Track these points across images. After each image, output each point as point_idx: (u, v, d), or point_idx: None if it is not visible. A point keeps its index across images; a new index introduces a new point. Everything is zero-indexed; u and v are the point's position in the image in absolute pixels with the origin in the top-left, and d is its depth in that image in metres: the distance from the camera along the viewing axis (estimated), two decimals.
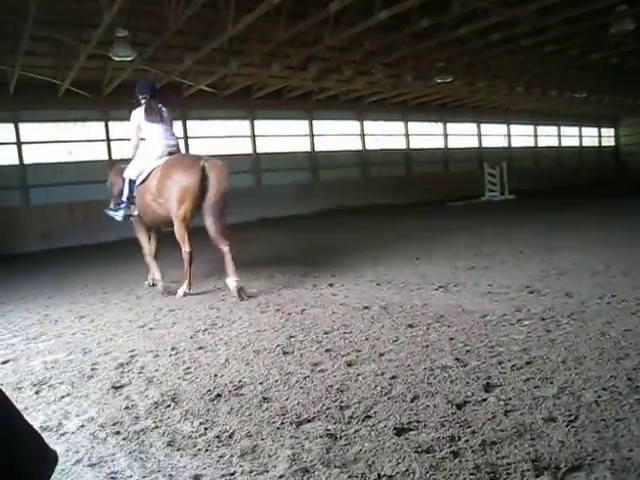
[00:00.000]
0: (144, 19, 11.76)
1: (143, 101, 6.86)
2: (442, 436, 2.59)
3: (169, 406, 3.23)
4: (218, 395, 3.34)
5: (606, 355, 3.50)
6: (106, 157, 15.68)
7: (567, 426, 2.59)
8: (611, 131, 36.37)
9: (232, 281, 6.22)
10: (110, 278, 8.41)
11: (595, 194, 21.62)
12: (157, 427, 2.95)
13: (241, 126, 18.87)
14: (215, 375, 3.70)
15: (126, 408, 3.25)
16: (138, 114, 6.82)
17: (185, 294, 6.63)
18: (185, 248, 6.69)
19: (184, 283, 6.69)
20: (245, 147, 18.91)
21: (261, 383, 3.49)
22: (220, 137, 18.30)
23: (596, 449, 2.37)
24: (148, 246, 7.55)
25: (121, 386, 3.64)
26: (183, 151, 8.10)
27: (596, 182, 29.83)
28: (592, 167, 33.76)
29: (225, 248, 6.36)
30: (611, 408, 2.74)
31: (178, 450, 2.68)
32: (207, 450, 2.66)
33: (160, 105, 6.85)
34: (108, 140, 15.72)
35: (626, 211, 13.88)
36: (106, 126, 15.66)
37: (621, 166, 35.38)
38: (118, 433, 2.92)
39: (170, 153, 6.76)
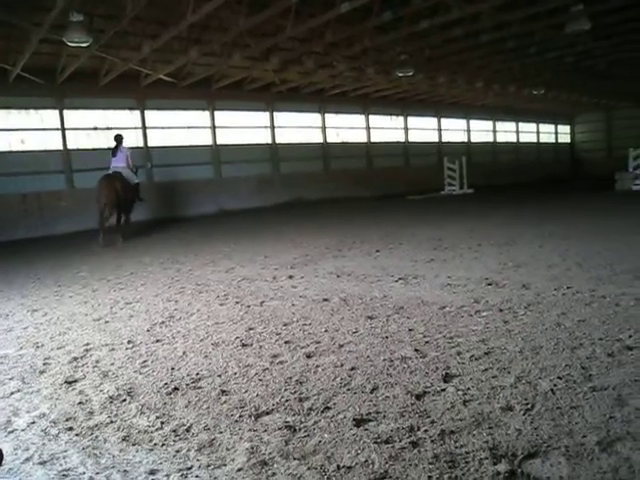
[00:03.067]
0: (100, 4, 11.45)
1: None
2: (401, 426, 2.60)
3: (125, 400, 3.17)
4: (175, 388, 3.29)
5: (561, 345, 3.57)
6: (61, 147, 15.27)
7: (524, 414, 2.63)
8: (567, 128, 37.19)
9: None
10: (65, 271, 8.20)
11: (552, 189, 22.09)
12: (112, 422, 2.89)
13: (201, 117, 18.61)
14: (172, 368, 3.65)
15: (80, 403, 3.17)
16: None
17: None
18: None
19: None
20: (205, 138, 18.67)
21: (219, 376, 3.45)
22: (179, 128, 18.02)
23: (551, 436, 2.42)
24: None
25: (75, 381, 3.55)
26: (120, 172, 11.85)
27: (553, 177, 30.48)
28: (549, 163, 34.48)
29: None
30: (566, 396, 2.80)
31: (133, 445, 2.63)
32: (163, 444, 2.62)
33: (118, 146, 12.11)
34: (63, 129, 15.30)
35: (581, 206, 14.23)
36: (61, 114, 15.23)
37: (576, 162, 36.26)
38: (71, 429, 2.84)
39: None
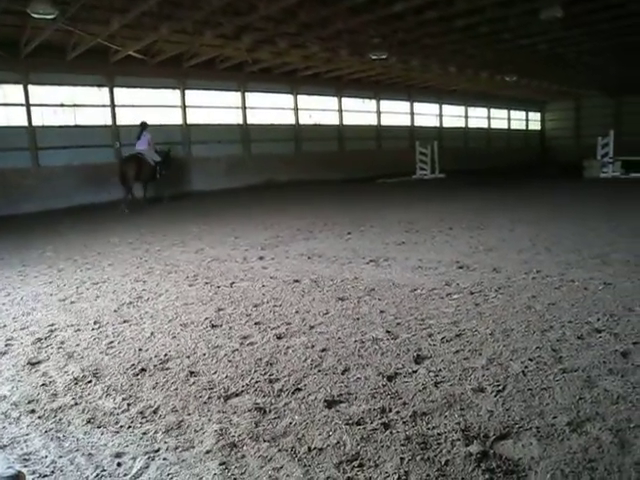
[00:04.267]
0: None
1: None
2: (373, 408, 2.58)
3: (90, 382, 3.09)
4: (142, 370, 3.22)
5: (532, 327, 3.59)
6: (25, 123, 14.85)
7: (495, 396, 2.64)
8: (537, 115, 37.58)
9: None
10: (30, 251, 8.00)
11: (522, 175, 22.34)
12: (76, 404, 2.81)
13: (171, 95, 18.29)
14: (140, 349, 3.58)
15: (43, 385, 3.08)
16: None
17: None
18: None
19: None
20: (175, 117, 18.37)
21: (188, 357, 3.39)
22: (149, 106, 17.66)
23: (523, 417, 2.43)
24: None
25: (38, 362, 3.46)
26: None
27: (523, 164, 30.80)
28: (519, 150, 34.84)
29: None
30: (537, 378, 2.81)
31: (99, 427, 2.56)
32: (130, 427, 2.56)
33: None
34: (28, 105, 14.87)
35: (550, 192, 14.42)
36: (25, 90, 14.78)
37: (546, 149, 36.74)
38: (33, 412, 2.76)
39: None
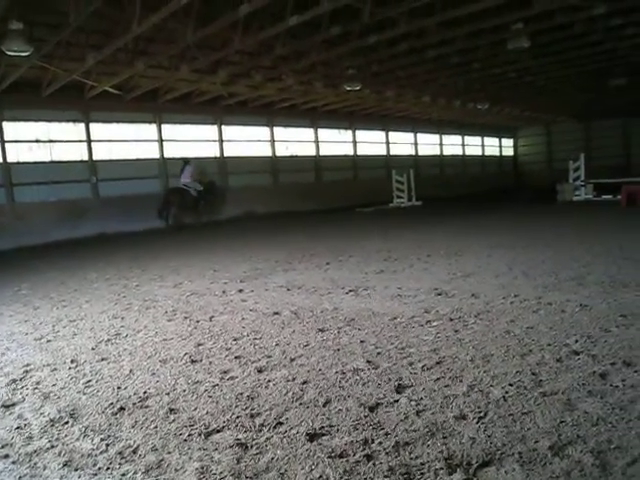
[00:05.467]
0: (42, 13, 11.15)
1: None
2: (355, 440, 2.56)
3: (67, 423, 3.02)
4: (121, 408, 3.16)
5: (511, 352, 3.61)
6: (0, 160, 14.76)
7: (477, 422, 2.64)
8: (510, 141, 38.28)
9: None
10: (5, 289, 7.87)
11: (497, 201, 22.64)
12: (53, 447, 2.75)
13: (148, 130, 18.33)
14: (118, 387, 3.52)
15: (17, 428, 3.00)
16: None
17: None
18: None
19: None
20: (152, 152, 18.39)
21: (168, 394, 3.34)
22: (126, 141, 17.69)
23: (505, 443, 2.43)
24: None
25: (13, 404, 3.38)
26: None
27: (497, 189, 31.22)
28: (494, 175, 35.36)
29: None
30: (518, 403, 2.82)
31: (76, 470, 2.50)
32: (108, 468, 2.50)
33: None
34: (2, 141, 14.77)
35: (525, 217, 14.62)
36: None
37: (519, 174, 37.34)
38: (7, 456, 2.68)
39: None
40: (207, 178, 18.53)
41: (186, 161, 17.66)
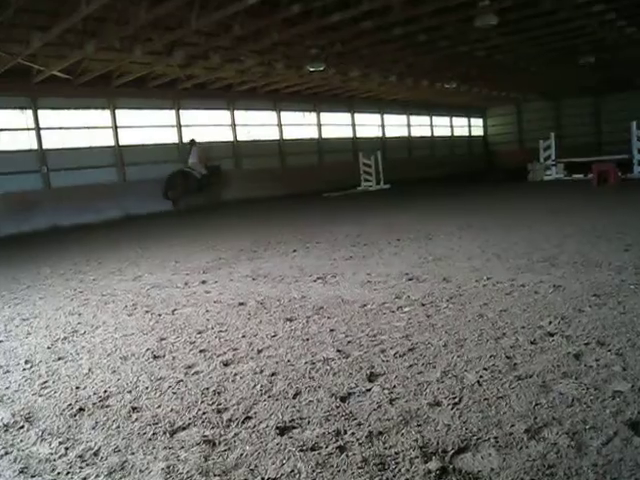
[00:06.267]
0: None
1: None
2: (327, 431, 2.57)
3: (22, 427, 2.95)
4: (81, 409, 3.11)
5: (485, 336, 3.66)
6: None
7: (452, 409, 2.66)
8: (480, 121, 38.67)
9: None
10: None
11: (467, 182, 22.89)
12: (7, 453, 2.68)
13: (101, 116, 18.00)
14: (77, 387, 3.45)
15: None
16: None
17: None
18: None
19: None
20: (106, 139, 18.08)
21: (129, 392, 3.30)
22: (77, 128, 17.34)
23: (480, 428, 2.46)
24: None
25: None
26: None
27: (467, 170, 31.56)
28: (463, 156, 35.73)
29: None
30: (492, 387, 2.85)
31: (33, 477, 2.44)
32: (68, 473, 2.45)
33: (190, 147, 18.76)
34: None
35: (496, 198, 14.81)
36: None
37: (489, 155, 37.78)
38: None
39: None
40: (210, 162, 19.26)
41: (192, 143, 18.82)
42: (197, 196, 18.68)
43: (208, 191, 19.03)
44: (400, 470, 2.20)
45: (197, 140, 19.32)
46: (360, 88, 24.53)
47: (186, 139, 20.15)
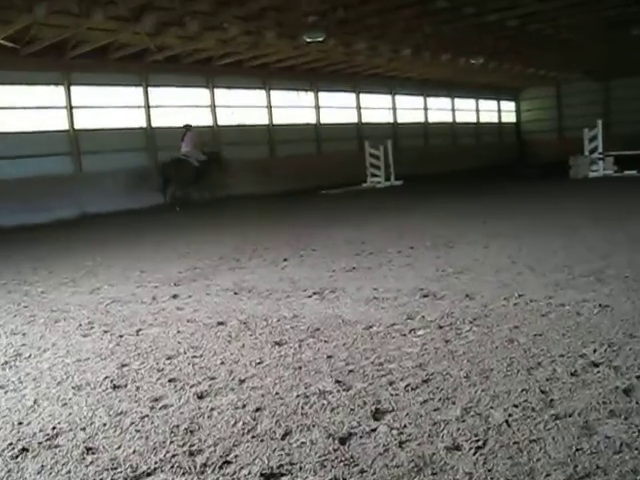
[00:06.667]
0: None
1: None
2: None
3: None
4: (24, 449, 3.10)
5: (515, 366, 3.66)
6: None
7: (474, 454, 2.65)
8: (511, 105, 38.75)
9: None
10: None
11: (495, 178, 22.90)
12: None
13: (54, 94, 17.99)
14: (20, 423, 3.45)
15: None
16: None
17: None
18: None
19: None
20: (59, 121, 18.06)
21: (83, 429, 3.30)
22: (22, 108, 17.33)
23: (509, 478, 2.45)
24: None
25: None
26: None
27: (496, 164, 31.54)
28: (491, 147, 35.74)
29: None
30: (524, 428, 2.85)
31: None
32: None
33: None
34: None
35: (531, 198, 14.84)
36: None
37: (523, 145, 37.78)
38: None
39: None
40: (207, 147, 19.81)
41: (187, 127, 19.11)
42: (196, 187, 19.25)
43: (208, 180, 19.37)
44: None
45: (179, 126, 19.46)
46: (367, 64, 24.56)
47: (157, 122, 20.18)
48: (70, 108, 18.24)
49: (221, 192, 20.15)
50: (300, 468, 2.68)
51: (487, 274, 6.39)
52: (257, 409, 3.35)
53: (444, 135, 32.80)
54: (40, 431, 3.32)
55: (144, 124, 20.08)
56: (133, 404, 3.60)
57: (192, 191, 19.24)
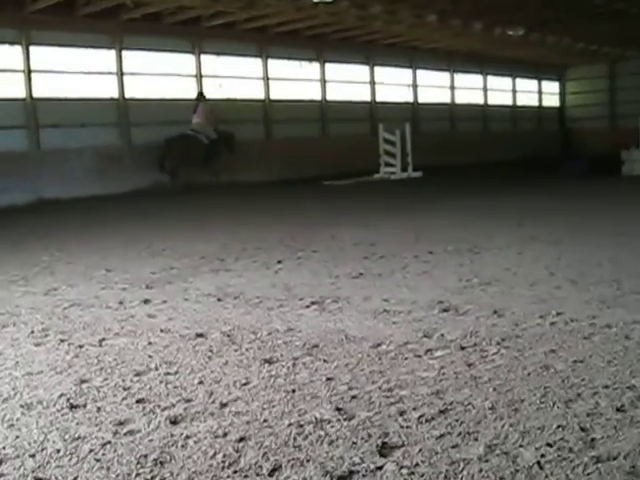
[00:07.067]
0: None
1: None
2: None
3: None
4: None
5: (551, 397, 3.65)
6: None
7: None
8: (555, 86, 38.71)
9: None
10: None
11: (534, 172, 22.85)
12: None
13: (9, 55, 18.01)
14: None
15: None
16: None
17: None
18: None
19: None
20: (13, 87, 18.05)
21: (33, 456, 3.29)
22: None
23: None
24: None
25: None
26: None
27: (535, 155, 31.46)
28: (530, 135, 35.65)
29: None
30: (559, 472, 2.84)
31: None
32: None
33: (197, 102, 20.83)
34: None
35: (576, 197, 14.82)
36: None
37: (568, 134, 37.67)
38: None
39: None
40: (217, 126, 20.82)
41: (200, 98, 20.76)
42: (203, 168, 20.29)
43: (216, 163, 20.10)
44: None
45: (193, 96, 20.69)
46: (384, 31, 24.54)
47: (132, 92, 20.17)
48: (28, 72, 18.27)
49: (225, 178, 20.83)
50: None
51: (519, 286, 6.38)
52: (241, 439, 3.34)
53: (473, 119, 32.81)
54: None
55: (116, 94, 20.06)
56: (93, 428, 3.60)
57: (194, 173, 19.94)
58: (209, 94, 22.25)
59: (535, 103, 37.50)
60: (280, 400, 3.82)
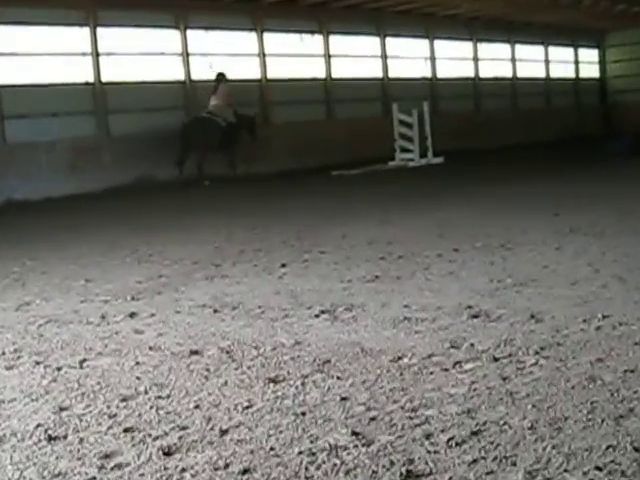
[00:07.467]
0: None
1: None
2: None
3: None
4: None
5: (599, 413, 3.64)
6: None
7: None
8: (594, 54, 38.56)
9: None
10: None
11: (572, 154, 22.81)
12: None
13: None
14: None
15: None
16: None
17: None
18: None
19: None
20: None
21: None
22: None
23: None
24: None
25: None
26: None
27: (572, 135, 31.41)
28: (566, 111, 35.54)
29: None
30: None
31: None
32: None
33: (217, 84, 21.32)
34: None
35: (619, 182, 14.78)
36: None
37: (609, 110, 37.52)
38: None
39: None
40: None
41: (220, 78, 21.26)
42: (221, 154, 20.62)
43: (235, 150, 20.70)
44: None
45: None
46: None
47: (113, 76, 20.15)
48: None
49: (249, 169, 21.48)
50: None
51: (559, 287, 6.37)
52: (244, 470, 3.34)
53: (501, 95, 32.73)
54: None
55: (91, 78, 20.05)
56: (75, 462, 3.60)
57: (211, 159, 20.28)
58: (197, 77, 22.26)
59: (572, 75, 37.30)
60: (288, 425, 3.82)
